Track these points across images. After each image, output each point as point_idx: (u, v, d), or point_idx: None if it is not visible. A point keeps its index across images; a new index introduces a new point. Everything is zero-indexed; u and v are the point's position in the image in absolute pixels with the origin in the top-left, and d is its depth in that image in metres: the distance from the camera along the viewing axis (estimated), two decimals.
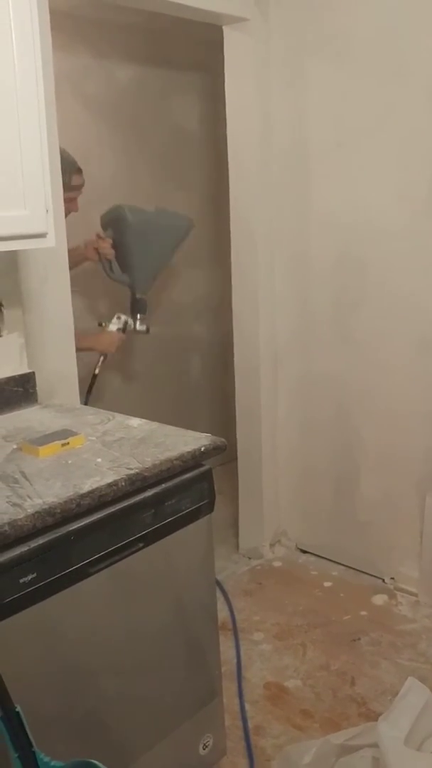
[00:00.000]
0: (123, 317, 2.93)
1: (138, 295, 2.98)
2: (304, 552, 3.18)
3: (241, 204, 2.93)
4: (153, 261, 3.04)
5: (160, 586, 1.67)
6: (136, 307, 2.98)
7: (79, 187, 2.71)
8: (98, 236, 2.92)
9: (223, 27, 2.77)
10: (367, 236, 2.69)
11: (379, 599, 2.81)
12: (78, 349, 2.32)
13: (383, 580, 2.90)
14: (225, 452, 1.75)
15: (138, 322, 2.96)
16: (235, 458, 3.17)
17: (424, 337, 2.60)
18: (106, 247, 2.90)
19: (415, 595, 2.79)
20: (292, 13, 2.71)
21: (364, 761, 1.77)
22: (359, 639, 2.57)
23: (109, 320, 2.93)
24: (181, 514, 1.66)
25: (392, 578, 2.88)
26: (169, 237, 3.07)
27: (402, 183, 2.55)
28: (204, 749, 1.87)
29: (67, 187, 2.62)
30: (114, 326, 2.91)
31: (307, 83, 2.73)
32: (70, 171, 2.62)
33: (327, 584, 2.94)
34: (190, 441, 1.70)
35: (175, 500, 1.64)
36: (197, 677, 1.84)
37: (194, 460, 1.66)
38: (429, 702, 1.83)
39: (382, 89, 2.53)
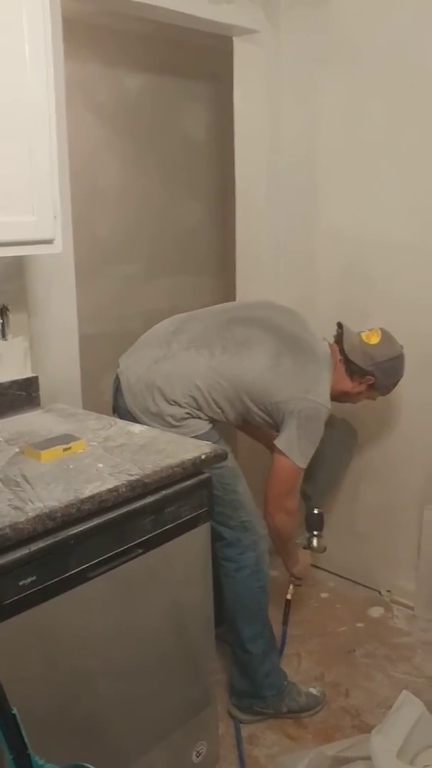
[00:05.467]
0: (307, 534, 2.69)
1: (316, 510, 2.70)
2: None
3: (247, 215, 2.94)
4: (335, 469, 2.82)
5: (158, 593, 1.68)
6: (313, 524, 2.69)
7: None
8: None
9: (234, 38, 2.79)
10: (375, 250, 2.69)
11: (375, 611, 2.81)
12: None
13: (380, 593, 2.90)
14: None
15: (315, 539, 2.68)
16: None
17: (430, 352, 2.59)
18: None
19: (411, 608, 2.79)
20: (303, 26, 2.73)
21: None
22: (354, 651, 2.57)
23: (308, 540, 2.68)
24: (180, 521, 1.67)
25: (389, 591, 2.88)
26: (348, 445, 2.81)
27: (411, 196, 2.56)
28: (197, 757, 1.88)
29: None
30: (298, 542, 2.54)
31: (317, 95, 2.74)
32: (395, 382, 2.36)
33: (323, 595, 2.94)
34: (191, 449, 1.71)
35: (175, 507, 1.65)
36: (192, 684, 1.84)
37: (194, 467, 1.67)
38: (422, 716, 1.82)
39: (393, 102, 2.54)
